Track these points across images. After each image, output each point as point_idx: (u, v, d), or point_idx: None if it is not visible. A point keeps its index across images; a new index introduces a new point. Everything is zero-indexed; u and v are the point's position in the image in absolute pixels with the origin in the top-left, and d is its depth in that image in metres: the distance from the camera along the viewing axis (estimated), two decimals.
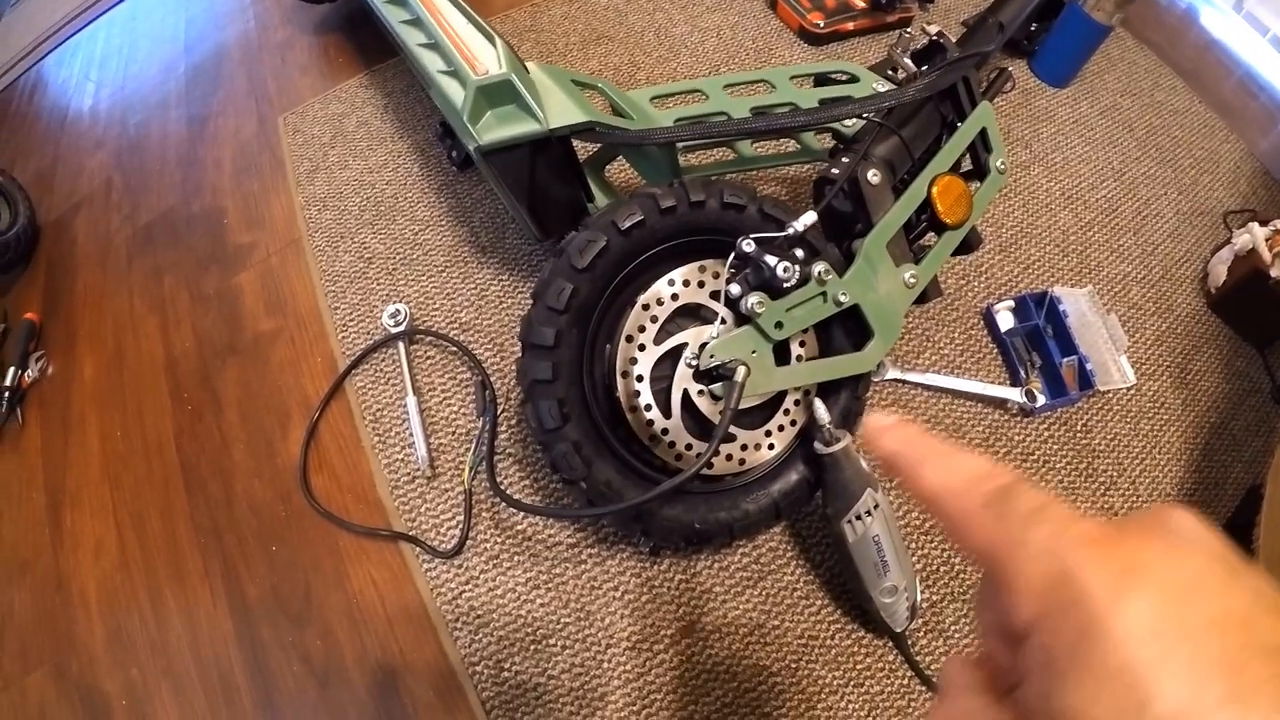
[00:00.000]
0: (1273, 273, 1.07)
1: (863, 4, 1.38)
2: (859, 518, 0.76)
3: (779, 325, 0.73)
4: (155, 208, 1.31)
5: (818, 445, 0.77)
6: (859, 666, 0.84)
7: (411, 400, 0.97)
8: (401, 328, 1.02)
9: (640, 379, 0.74)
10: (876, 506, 0.77)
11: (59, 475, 1.07)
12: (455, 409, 0.98)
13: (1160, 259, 1.19)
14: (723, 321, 0.74)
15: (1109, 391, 1.04)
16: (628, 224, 0.73)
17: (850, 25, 1.36)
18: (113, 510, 1.02)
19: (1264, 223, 1.14)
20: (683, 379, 0.74)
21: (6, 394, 1.14)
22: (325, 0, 1.42)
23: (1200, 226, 1.24)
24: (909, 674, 0.84)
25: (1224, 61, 1.56)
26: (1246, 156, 1.36)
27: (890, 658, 0.85)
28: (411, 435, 0.96)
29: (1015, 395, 1.00)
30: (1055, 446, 1.00)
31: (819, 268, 0.74)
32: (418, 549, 0.90)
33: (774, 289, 0.72)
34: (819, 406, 0.77)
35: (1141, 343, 1.10)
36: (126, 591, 0.96)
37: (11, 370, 1.15)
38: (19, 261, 1.31)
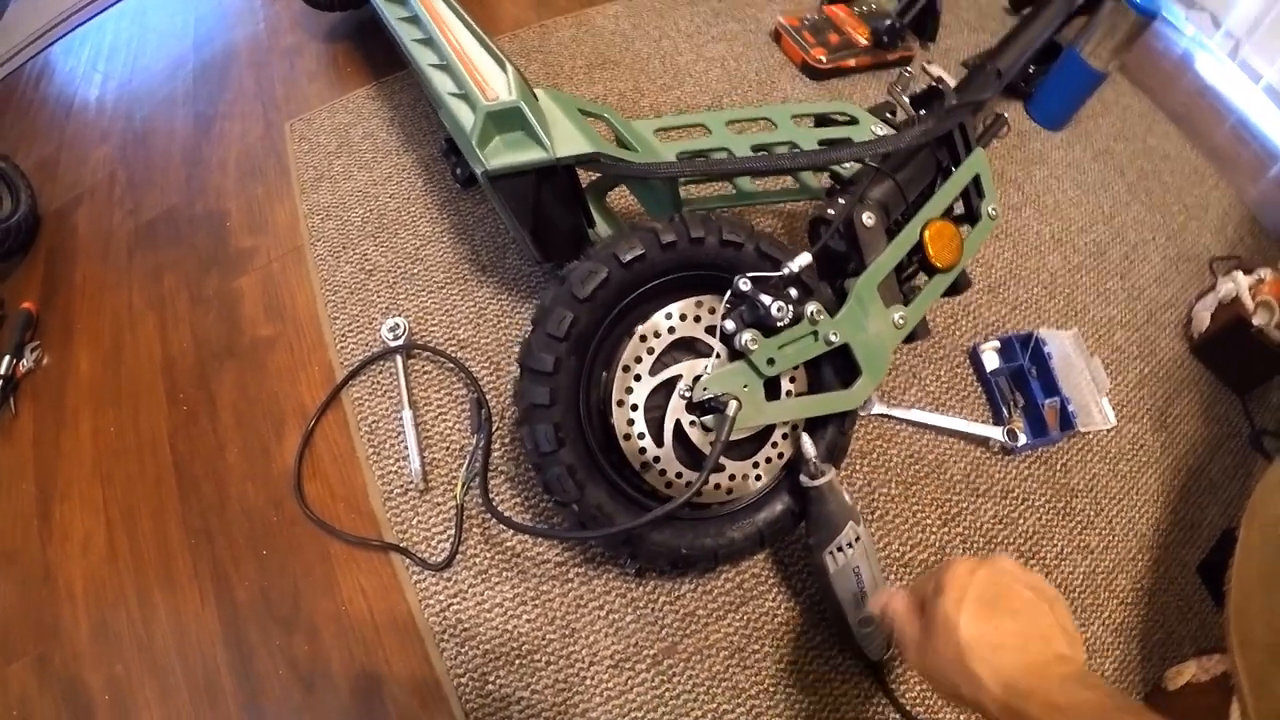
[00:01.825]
0: (1255, 321, 1.09)
1: (865, 41, 1.40)
2: (840, 549, 0.78)
3: (771, 362, 0.75)
4: (158, 205, 1.32)
5: (803, 478, 0.79)
6: (835, 693, 0.86)
7: (407, 414, 0.98)
8: (400, 341, 1.03)
9: (635, 408, 0.76)
10: (858, 539, 0.79)
11: (50, 468, 1.08)
12: (450, 424, 1.00)
13: (1145, 303, 1.22)
14: (717, 356, 0.76)
15: (1089, 432, 1.07)
16: (629, 257, 0.75)
17: (852, 62, 1.38)
18: (103, 506, 1.02)
19: (1248, 271, 1.17)
20: (676, 410, 0.76)
21: (1, 383, 1.14)
22: (336, 9, 1.43)
23: (1186, 272, 1.27)
24: (884, 702, 0.86)
25: (1216, 108, 1.59)
26: (1235, 203, 1.39)
27: (866, 685, 0.87)
28: (406, 448, 0.97)
29: (997, 434, 1.02)
30: (1034, 485, 1.02)
31: (811, 308, 0.76)
32: (408, 560, 0.91)
33: (767, 327, 0.74)
34: (805, 441, 0.79)
35: (1124, 385, 1.13)
36: (114, 587, 0.96)
37: (6, 359, 1.15)
38: (18, 250, 1.31)
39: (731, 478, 0.80)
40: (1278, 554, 0.73)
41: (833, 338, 0.78)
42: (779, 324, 0.73)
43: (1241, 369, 1.16)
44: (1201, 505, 1.06)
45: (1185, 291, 1.25)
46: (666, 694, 0.85)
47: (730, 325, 0.74)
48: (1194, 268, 1.28)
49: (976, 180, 0.91)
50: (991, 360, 1.08)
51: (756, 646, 0.88)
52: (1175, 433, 1.11)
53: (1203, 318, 1.19)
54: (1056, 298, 1.18)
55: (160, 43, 1.65)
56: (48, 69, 1.72)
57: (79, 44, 1.75)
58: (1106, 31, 1.25)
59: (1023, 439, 1.02)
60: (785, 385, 0.81)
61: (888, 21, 1.37)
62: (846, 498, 0.80)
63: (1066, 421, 1.04)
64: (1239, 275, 1.16)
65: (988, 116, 1.02)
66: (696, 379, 0.75)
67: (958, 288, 0.91)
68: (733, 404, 0.72)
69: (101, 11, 1.79)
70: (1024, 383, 1.06)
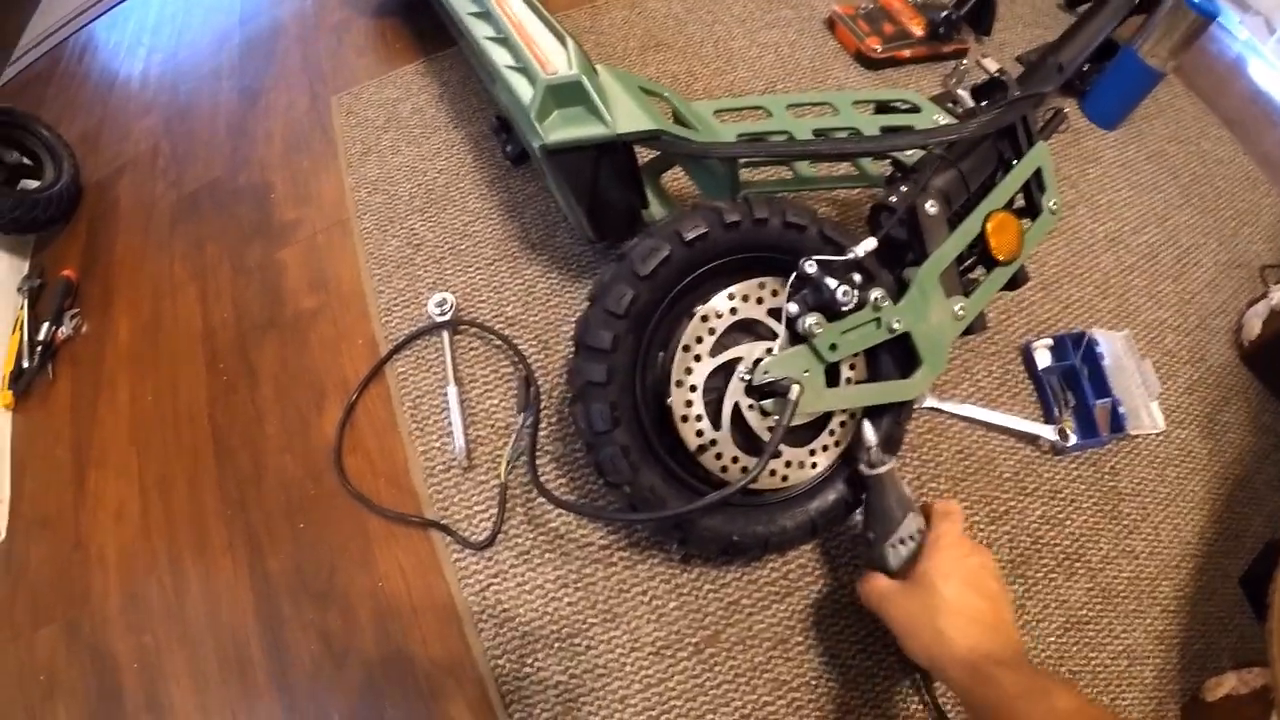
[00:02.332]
0: None
1: (920, 33, 1.38)
2: (902, 542, 0.76)
3: (833, 347, 0.73)
4: (201, 176, 1.32)
5: (863, 467, 0.78)
6: (878, 689, 0.84)
7: (452, 390, 0.97)
8: (447, 317, 1.02)
9: (694, 389, 0.74)
10: (920, 531, 0.76)
11: (86, 434, 1.08)
12: (496, 402, 0.99)
13: (1197, 308, 1.19)
14: (779, 339, 0.74)
15: (1139, 436, 1.05)
16: (692, 235, 0.73)
17: (907, 53, 1.36)
18: (138, 474, 1.03)
19: None
20: (734, 392, 0.75)
21: (40, 348, 1.15)
22: None
23: (1237, 278, 1.24)
24: (927, 699, 0.84)
25: (1270, 114, 1.56)
26: None
27: (908, 682, 0.85)
28: (450, 425, 0.96)
29: (1048, 433, 1.00)
30: (1083, 486, 1.00)
31: (875, 294, 0.74)
32: (448, 539, 0.90)
33: (831, 311, 0.73)
34: (867, 428, 0.78)
35: (1173, 390, 1.11)
36: (146, 556, 0.96)
37: (46, 325, 1.16)
38: (60, 219, 1.32)
39: (788, 464, 0.78)
40: None
41: (895, 325, 0.76)
42: (843, 308, 0.72)
43: None
44: (1246, 516, 1.04)
45: (1236, 298, 1.22)
46: (707, 683, 0.83)
47: (794, 308, 0.73)
48: (1245, 274, 1.25)
49: (1038, 174, 0.90)
50: (1044, 358, 1.06)
51: (800, 638, 0.86)
52: (1222, 441, 1.09)
53: (1254, 325, 1.16)
54: (1109, 298, 1.16)
55: (206, 18, 1.65)
56: (92, 43, 1.73)
57: (124, 18, 1.76)
58: (1164, 31, 1.23)
59: (1073, 439, 1.00)
60: (845, 373, 0.79)
61: (944, 13, 1.35)
62: (907, 490, 0.78)
63: (1117, 424, 1.02)
64: None
65: (1047, 111, 1.01)
66: (756, 362, 0.74)
67: (1016, 282, 0.89)
68: (795, 388, 0.71)
69: None
70: (1075, 382, 1.04)
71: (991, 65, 1.00)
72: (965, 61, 1.01)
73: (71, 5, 1.80)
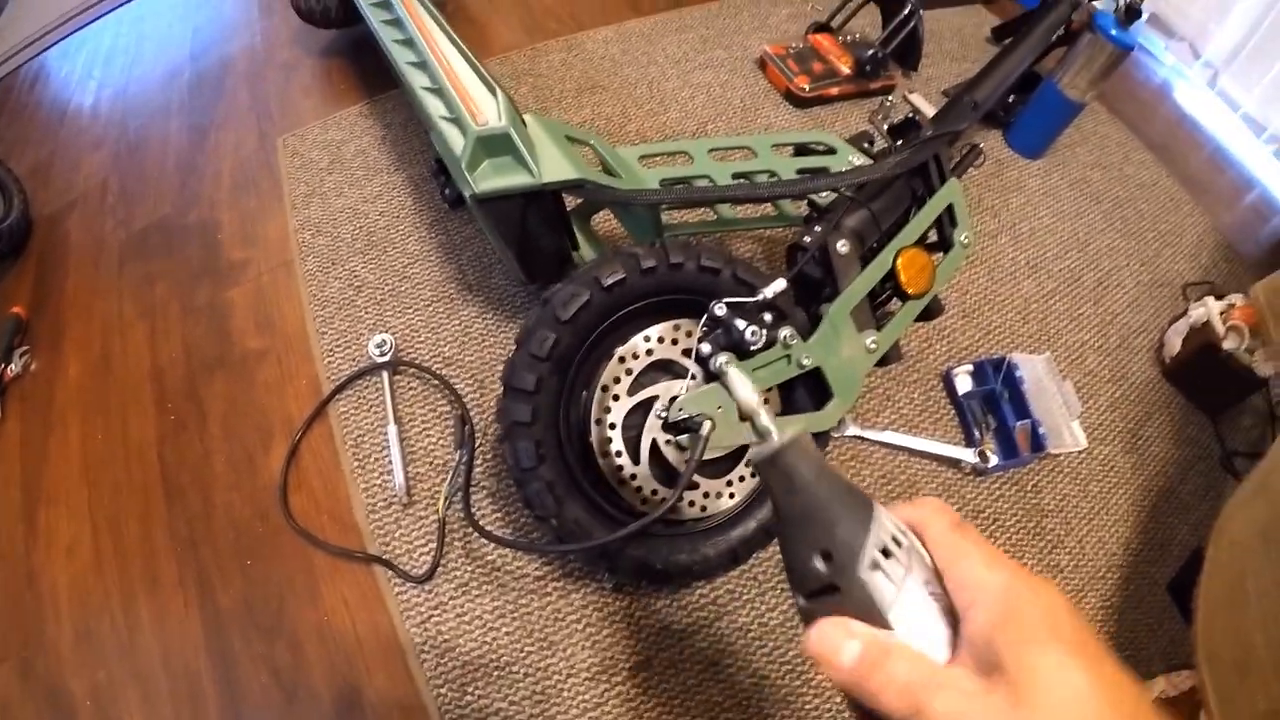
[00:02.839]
0: (1225, 345, 1.12)
1: (848, 70, 1.43)
2: (887, 554, 0.35)
3: None
4: (151, 213, 1.33)
5: (752, 449, 0.41)
6: (807, 708, 0.88)
7: (392, 429, 1.00)
8: (387, 358, 1.05)
9: (613, 427, 0.78)
10: (905, 533, 0.37)
11: (36, 472, 1.08)
12: (434, 440, 1.02)
13: (1118, 328, 1.24)
14: (693, 377, 0.78)
15: (1061, 454, 1.09)
16: (610, 281, 0.77)
17: (835, 90, 1.41)
18: (89, 512, 1.03)
19: (1220, 297, 1.19)
20: (652, 429, 0.78)
21: None
22: (332, 25, 1.44)
23: (1159, 297, 1.30)
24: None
25: (1195, 136, 1.62)
26: (1210, 230, 1.42)
27: (837, 700, 0.88)
28: (390, 462, 0.99)
29: (969, 456, 1.04)
30: (1005, 505, 1.04)
31: (785, 332, 0.78)
32: (390, 573, 0.93)
33: (742, 350, 0.76)
34: (735, 377, 0.57)
35: (1095, 408, 1.16)
36: (98, 593, 0.97)
37: None
38: (9, 254, 1.31)
39: (705, 495, 0.82)
40: (1242, 572, 0.74)
41: (805, 361, 0.80)
42: (753, 348, 0.75)
43: (1212, 392, 1.18)
44: (1172, 525, 1.08)
45: (1158, 317, 1.27)
46: (642, 706, 0.86)
47: (706, 348, 0.76)
48: (1167, 293, 1.31)
49: (950, 210, 0.94)
50: (964, 384, 1.11)
51: (730, 661, 0.90)
52: (1146, 454, 1.14)
53: (1174, 342, 1.21)
54: (1030, 323, 1.21)
55: (157, 51, 1.66)
56: (44, 73, 1.73)
57: (76, 48, 1.76)
58: (1084, 63, 1.28)
59: (994, 460, 1.04)
60: None
61: (871, 51, 1.40)
62: (843, 476, 0.39)
63: (1037, 443, 1.06)
64: (1210, 300, 1.18)
65: (964, 147, 1.05)
66: (673, 399, 0.77)
67: (930, 313, 0.93)
68: (706, 424, 0.74)
69: (100, 18, 1.81)
70: (996, 406, 1.09)
71: (917, 100, 1.05)
72: (892, 98, 1.05)
73: (23, 34, 1.80)
